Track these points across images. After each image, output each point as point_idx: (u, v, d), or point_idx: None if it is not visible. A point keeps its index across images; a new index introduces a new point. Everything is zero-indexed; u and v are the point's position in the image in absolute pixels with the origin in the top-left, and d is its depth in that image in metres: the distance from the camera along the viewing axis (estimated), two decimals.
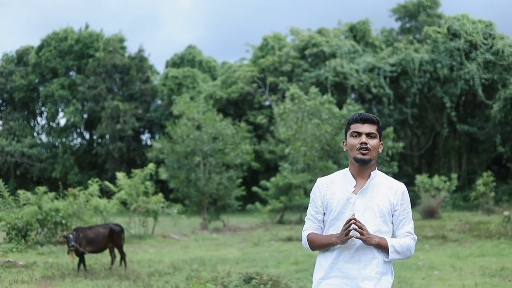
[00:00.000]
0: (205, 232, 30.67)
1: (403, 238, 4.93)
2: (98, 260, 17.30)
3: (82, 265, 15.84)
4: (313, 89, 33.43)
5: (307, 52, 52.68)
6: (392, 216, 4.99)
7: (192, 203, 35.67)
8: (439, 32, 50.99)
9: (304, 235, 5.15)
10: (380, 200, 4.92)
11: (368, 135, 4.92)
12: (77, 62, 63.24)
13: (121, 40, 64.83)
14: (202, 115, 35.82)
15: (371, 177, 4.95)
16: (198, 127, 35.44)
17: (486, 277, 13.67)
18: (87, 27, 65.19)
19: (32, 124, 68.69)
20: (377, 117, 5.00)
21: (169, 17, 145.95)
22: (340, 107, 34.01)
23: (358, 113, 5.03)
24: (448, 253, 18.80)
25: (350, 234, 4.70)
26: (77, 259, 15.76)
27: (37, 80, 64.72)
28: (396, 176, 42.49)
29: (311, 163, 31.42)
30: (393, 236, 5.02)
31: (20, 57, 67.89)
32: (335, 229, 4.94)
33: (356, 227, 4.66)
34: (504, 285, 12.59)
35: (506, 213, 23.91)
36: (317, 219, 5.12)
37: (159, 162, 38.97)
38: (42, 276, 14.62)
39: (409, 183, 44.87)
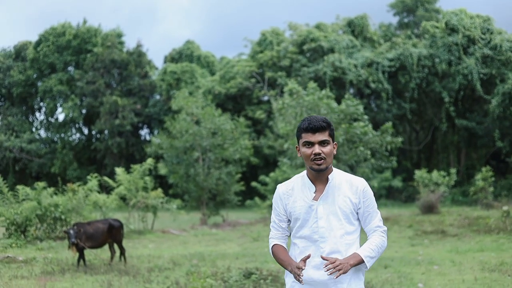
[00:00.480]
0: (205, 227, 30.71)
1: (374, 238, 4.95)
2: (97, 255, 17.30)
3: (81, 261, 15.85)
4: (312, 84, 33.36)
5: (305, 47, 52.65)
6: (357, 213, 4.99)
7: (192, 198, 35.70)
8: (437, 27, 50.99)
9: (270, 244, 5.16)
10: (342, 202, 4.90)
11: (321, 143, 4.86)
12: (75, 57, 63.21)
13: (119, 35, 64.79)
14: (201, 110, 35.82)
15: (329, 181, 4.92)
16: (197, 122, 35.45)
17: (485, 272, 13.70)
18: (85, 22, 65.14)
19: (30, 119, 68.65)
20: (327, 120, 4.93)
21: (167, 12, 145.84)
22: (339, 102, 33.93)
23: (308, 120, 4.92)
24: (447, 248, 18.84)
25: (326, 272, 4.66)
26: (77, 254, 15.77)
27: (35, 75, 64.66)
28: (395, 171, 42.46)
29: None
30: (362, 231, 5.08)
31: (18, 52, 67.82)
32: (301, 236, 4.96)
33: (331, 266, 4.61)
34: (503, 280, 12.61)
35: (505, 208, 23.94)
36: (281, 227, 5.12)
37: (158, 157, 38.98)
38: (41, 272, 14.63)
39: (408, 178, 45.05)
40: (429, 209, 32.18)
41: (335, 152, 4.97)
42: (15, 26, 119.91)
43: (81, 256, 15.77)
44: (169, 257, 17.94)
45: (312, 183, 4.96)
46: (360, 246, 4.99)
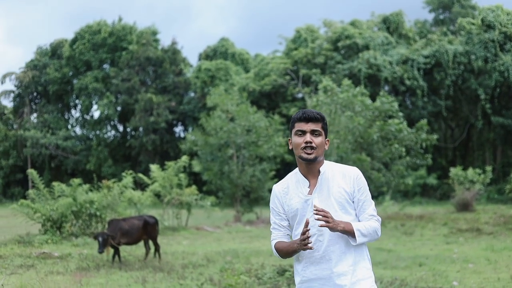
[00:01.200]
0: (238, 224, 30.74)
1: (368, 221, 4.86)
2: (129, 253, 17.39)
3: (116, 257, 15.94)
4: (346, 81, 33.30)
5: (340, 44, 52.55)
6: (353, 203, 4.92)
7: (225, 196, 35.76)
8: (473, 24, 50.56)
9: (272, 245, 5.11)
10: (336, 192, 4.85)
11: (313, 133, 4.84)
12: (110, 55, 63.62)
13: (154, 33, 65.10)
14: (236, 107, 35.85)
15: (321, 173, 4.88)
16: (232, 120, 35.49)
17: None
18: (120, 20, 65.53)
19: (66, 116, 69.25)
20: (321, 113, 4.92)
21: (202, 9, 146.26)
22: (374, 99, 33.83)
23: (302, 110, 4.94)
24: (482, 246, 18.70)
25: (317, 224, 4.66)
26: (112, 251, 15.85)
27: (71, 73, 65.17)
28: (430, 169, 42.22)
29: (344, 155, 31.30)
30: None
31: (54, 50, 68.37)
32: (300, 233, 4.88)
33: (320, 216, 4.58)
34: None
35: None
36: (282, 226, 5.08)
37: (192, 155, 39.10)
38: (77, 268, 14.74)
39: (443, 176, 44.77)
40: (464, 207, 31.98)
41: (326, 148, 4.94)
42: (51, 24, 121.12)
43: (116, 252, 15.86)
44: (203, 253, 17.98)
45: (305, 177, 4.95)
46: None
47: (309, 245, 4.61)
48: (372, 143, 31.15)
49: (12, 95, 68.50)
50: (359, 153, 31.10)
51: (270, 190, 35.57)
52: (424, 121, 32.37)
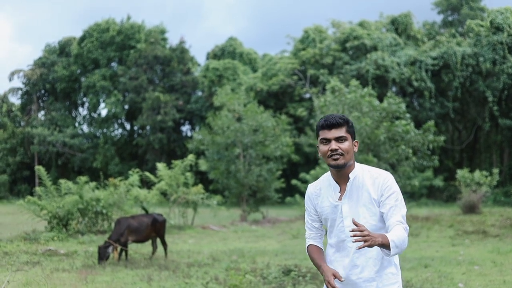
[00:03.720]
0: (244, 223, 30.75)
1: (397, 231, 4.59)
2: (135, 251, 17.41)
3: (123, 254, 15.97)
4: (354, 82, 33.26)
5: (348, 44, 52.54)
6: (380, 207, 4.80)
7: (232, 195, 35.75)
8: (482, 26, 50.49)
9: (306, 244, 5.14)
10: (366, 199, 4.79)
11: (338, 139, 4.77)
12: (118, 53, 63.71)
13: (163, 32, 65.22)
14: (243, 107, 35.89)
15: (350, 179, 4.82)
16: (239, 119, 35.51)
17: None
18: (128, 18, 65.62)
19: (73, 114, 69.43)
20: (344, 117, 4.85)
21: (212, 9, 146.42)
22: (381, 100, 33.81)
23: (325, 117, 4.87)
24: (488, 248, 18.66)
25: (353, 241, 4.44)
26: (119, 248, 15.83)
27: (79, 71, 65.28)
28: (436, 171, 42.10)
29: None
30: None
31: (63, 48, 68.55)
32: (333, 236, 4.90)
33: (358, 233, 4.35)
34: None
35: None
36: (314, 227, 5.08)
37: (199, 154, 39.12)
38: (82, 265, 14.78)
39: (450, 178, 44.70)
40: (471, 209, 31.90)
41: (355, 150, 4.87)
42: (60, 22, 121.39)
43: (124, 250, 15.88)
44: (208, 252, 18.01)
45: (336, 182, 4.90)
46: None
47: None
48: (379, 144, 31.11)
49: (20, 92, 68.75)
50: (366, 154, 31.06)
51: (276, 190, 35.76)
52: (431, 123, 32.32)
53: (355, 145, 4.86)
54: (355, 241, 4.38)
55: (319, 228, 5.07)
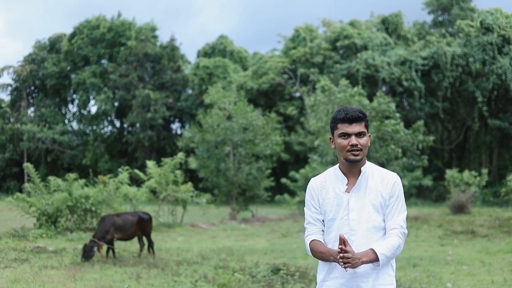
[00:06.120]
0: (234, 222, 30.77)
1: (391, 238, 4.72)
2: (123, 249, 17.40)
3: (111, 253, 15.95)
4: (344, 81, 33.28)
5: (338, 44, 52.55)
6: (385, 207, 4.85)
7: (221, 193, 35.74)
8: (472, 26, 50.60)
9: (308, 241, 5.01)
10: (374, 195, 4.81)
11: (358, 134, 4.78)
12: (109, 50, 63.52)
13: (153, 29, 65.05)
14: (234, 105, 35.89)
15: (362, 172, 4.85)
16: (229, 117, 35.51)
17: None
18: (119, 15, 65.43)
19: (63, 111, 69.15)
20: (362, 111, 4.85)
21: (203, 6, 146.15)
22: (371, 100, 33.83)
23: (344, 110, 4.86)
24: (477, 248, 18.74)
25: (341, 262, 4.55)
26: (105, 247, 15.82)
27: (69, 68, 65.03)
28: (426, 170, 42.13)
29: None
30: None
31: (53, 44, 68.27)
32: (333, 230, 4.87)
33: (344, 255, 4.49)
34: None
35: None
36: (318, 220, 4.99)
37: (189, 151, 39.11)
38: (71, 262, 14.77)
39: (439, 178, 44.79)
40: (460, 209, 31.99)
41: (369, 144, 4.88)
42: (50, 18, 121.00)
43: (111, 248, 15.86)
44: (197, 251, 18.02)
45: (345, 175, 4.90)
46: None
47: (345, 266, 4.54)
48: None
49: (9, 88, 68.38)
50: None
51: (265, 189, 35.77)
52: (421, 123, 32.37)
53: (369, 139, 4.89)
54: (342, 266, 4.52)
55: (321, 221, 5.01)
